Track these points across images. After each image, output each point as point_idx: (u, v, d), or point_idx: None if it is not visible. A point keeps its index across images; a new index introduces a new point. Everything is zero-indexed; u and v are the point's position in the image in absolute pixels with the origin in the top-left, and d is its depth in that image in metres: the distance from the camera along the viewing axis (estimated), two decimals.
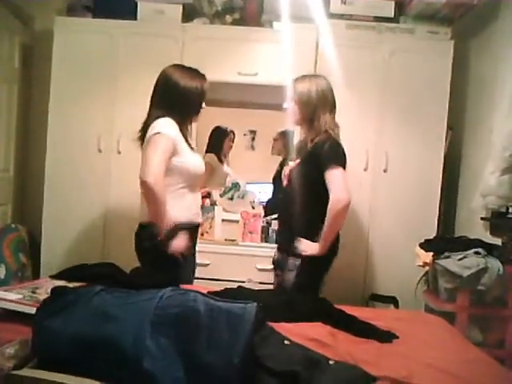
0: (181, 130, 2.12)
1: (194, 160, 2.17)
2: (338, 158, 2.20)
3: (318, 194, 2.17)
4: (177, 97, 2.11)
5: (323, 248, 2.18)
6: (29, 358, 1.15)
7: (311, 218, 2.22)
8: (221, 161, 3.66)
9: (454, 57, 3.00)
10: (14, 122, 3.41)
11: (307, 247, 2.20)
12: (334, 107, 2.29)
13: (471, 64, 3.19)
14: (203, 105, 2.22)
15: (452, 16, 3.06)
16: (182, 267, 2.15)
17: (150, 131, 2.04)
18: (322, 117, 2.23)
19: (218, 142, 3.67)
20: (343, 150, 2.24)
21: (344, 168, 2.20)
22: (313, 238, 2.20)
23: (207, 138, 3.66)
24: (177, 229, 2.05)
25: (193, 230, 2.24)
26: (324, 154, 2.17)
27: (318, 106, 2.24)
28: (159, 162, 1.97)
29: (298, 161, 2.30)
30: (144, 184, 1.94)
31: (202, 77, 2.20)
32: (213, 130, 3.66)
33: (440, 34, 3.06)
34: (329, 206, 2.14)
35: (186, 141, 2.16)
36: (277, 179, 3.26)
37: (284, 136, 3.50)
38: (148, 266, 2.09)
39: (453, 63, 3.00)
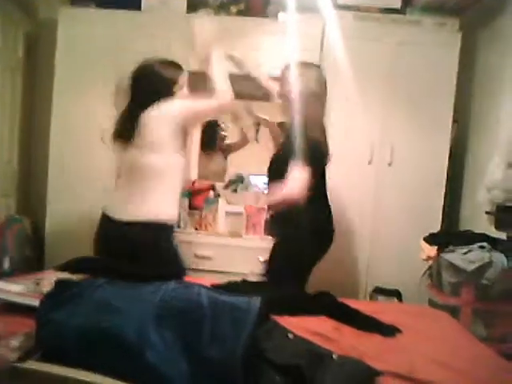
0: None
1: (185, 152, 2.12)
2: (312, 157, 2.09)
3: None
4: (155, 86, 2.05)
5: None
6: (33, 351, 1.15)
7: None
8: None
9: (461, 48, 2.97)
10: (18, 112, 3.41)
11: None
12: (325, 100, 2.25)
13: (479, 56, 3.15)
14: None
15: (460, 7, 3.04)
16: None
17: (163, 109, 1.98)
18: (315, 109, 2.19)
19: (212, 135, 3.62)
20: (320, 148, 2.16)
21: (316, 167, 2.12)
22: None
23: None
24: None
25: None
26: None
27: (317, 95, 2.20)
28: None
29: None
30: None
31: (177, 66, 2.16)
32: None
33: (447, 26, 3.03)
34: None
35: None
36: None
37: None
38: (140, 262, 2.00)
39: (460, 55, 2.97)
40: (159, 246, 2.01)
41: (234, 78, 3.07)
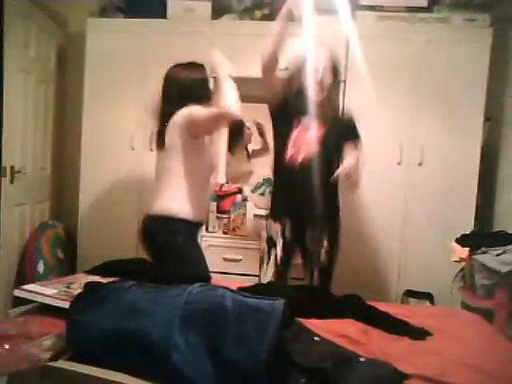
0: None
1: (210, 154, 2.20)
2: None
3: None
4: (182, 91, 2.11)
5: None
6: (64, 351, 1.18)
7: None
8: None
9: (492, 44, 2.89)
10: (51, 121, 3.51)
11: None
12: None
13: (511, 51, 3.06)
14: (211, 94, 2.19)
15: (489, 2, 2.96)
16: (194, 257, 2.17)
17: (180, 116, 2.03)
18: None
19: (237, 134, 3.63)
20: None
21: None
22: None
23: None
24: None
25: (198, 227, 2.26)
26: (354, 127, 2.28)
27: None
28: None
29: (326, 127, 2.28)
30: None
31: (200, 66, 2.21)
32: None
33: (477, 21, 2.96)
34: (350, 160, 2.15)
35: None
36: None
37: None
38: (162, 260, 2.10)
39: (491, 51, 2.90)
40: (171, 239, 2.06)
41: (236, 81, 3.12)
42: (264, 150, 2.80)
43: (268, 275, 2.35)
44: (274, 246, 2.33)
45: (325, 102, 2.27)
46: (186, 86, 2.11)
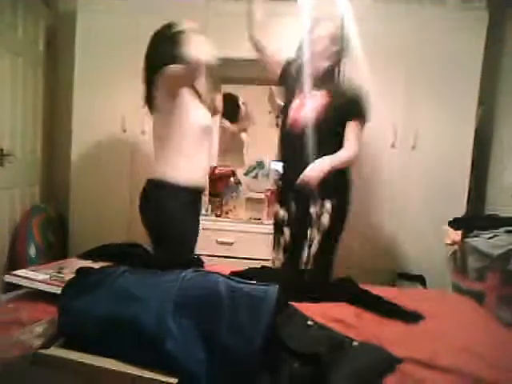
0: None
1: (197, 114, 2.13)
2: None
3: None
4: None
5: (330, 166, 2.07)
6: (56, 337, 1.17)
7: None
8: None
9: (488, 28, 2.86)
10: (40, 104, 3.45)
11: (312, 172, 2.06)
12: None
13: (506, 35, 3.04)
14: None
15: None
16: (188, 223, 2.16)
17: (157, 76, 2.03)
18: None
19: (233, 110, 3.63)
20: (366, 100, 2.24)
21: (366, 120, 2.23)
22: None
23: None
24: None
25: (197, 194, 2.21)
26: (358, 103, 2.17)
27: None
28: None
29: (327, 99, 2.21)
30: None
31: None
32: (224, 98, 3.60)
33: (474, 4, 2.92)
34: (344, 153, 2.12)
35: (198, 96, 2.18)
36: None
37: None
38: (150, 228, 2.09)
39: (486, 34, 2.87)
40: (164, 204, 2.04)
41: (258, 63, 3.08)
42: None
43: (277, 261, 2.34)
44: (282, 232, 2.30)
45: (328, 70, 2.23)
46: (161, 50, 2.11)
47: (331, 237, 2.18)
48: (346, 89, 2.24)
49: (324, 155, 2.08)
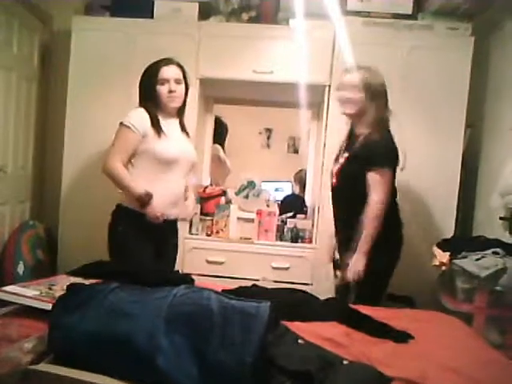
0: (152, 117, 2.19)
1: (162, 146, 2.18)
2: (387, 158, 2.20)
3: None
4: (139, 87, 2.28)
5: (365, 253, 2.15)
6: (45, 354, 1.16)
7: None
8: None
9: (474, 53, 2.95)
10: (33, 120, 3.46)
11: (355, 267, 2.16)
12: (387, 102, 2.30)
13: (492, 60, 3.13)
14: (162, 89, 2.21)
15: (472, 11, 3.01)
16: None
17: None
18: (376, 109, 2.24)
19: (221, 134, 3.71)
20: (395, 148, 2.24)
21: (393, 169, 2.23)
22: None
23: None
24: (149, 195, 2.12)
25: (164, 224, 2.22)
26: (373, 152, 2.17)
27: (377, 96, 2.24)
28: (117, 151, 2.18)
29: (346, 157, 2.28)
30: (102, 170, 2.20)
31: (162, 61, 2.25)
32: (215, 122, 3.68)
33: (460, 30, 3.01)
34: (368, 210, 2.14)
35: (157, 127, 2.19)
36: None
37: None
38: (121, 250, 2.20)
39: (473, 59, 2.95)
40: (114, 228, 2.24)
41: (250, 85, 3.13)
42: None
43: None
44: (338, 267, 2.40)
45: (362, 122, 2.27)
46: (142, 80, 2.27)
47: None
48: (368, 140, 2.23)
49: (356, 205, 2.16)
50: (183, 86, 2.27)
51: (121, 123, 2.19)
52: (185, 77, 2.28)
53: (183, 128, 2.36)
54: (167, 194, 2.21)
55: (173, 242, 2.41)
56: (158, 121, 2.20)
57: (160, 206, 2.15)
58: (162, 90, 2.21)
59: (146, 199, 2.11)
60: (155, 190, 2.14)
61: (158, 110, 2.23)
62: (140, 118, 2.18)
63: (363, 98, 2.22)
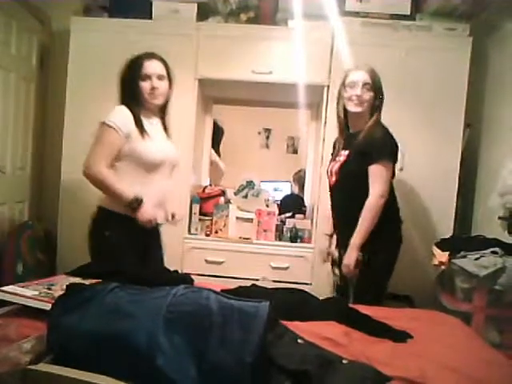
0: (135, 117, 2.09)
1: (146, 148, 2.08)
2: (390, 151, 2.24)
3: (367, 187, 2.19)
4: (121, 83, 2.21)
5: (358, 247, 2.16)
6: (45, 354, 1.16)
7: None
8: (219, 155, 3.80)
9: (472, 53, 2.95)
10: (31, 120, 3.46)
11: (348, 261, 2.18)
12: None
13: (490, 61, 3.14)
14: (144, 85, 2.13)
15: (470, 12, 3.02)
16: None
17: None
18: (379, 106, 2.31)
19: (216, 137, 3.72)
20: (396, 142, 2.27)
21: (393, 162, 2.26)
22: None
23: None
24: (139, 200, 2.04)
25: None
26: (377, 146, 2.20)
27: (381, 94, 2.30)
28: (100, 154, 2.07)
29: (347, 154, 2.30)
30: (85, 175, 2.12)
31: (145, 55, 2.18)
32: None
33: (458, 31, 3.02)
34: (367, 202, 2.15)
35: (141, 127, 2.10)
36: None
37: None
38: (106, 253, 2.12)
39: (471, 60, 2.95)
40: (99, 232, 2.15)
41: (249, 85, 3.13)
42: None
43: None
44: (338, 266, 2.39)
45: (361, 119, 2.29)
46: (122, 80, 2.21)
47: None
48: (367, 136, 2.25)
49: (358, 201, 2.18)
50: (167, 82, 2.17)
51: (102, 123, 2.06)
52: (168, 73, 2.19)
53: (165, 127, 2.28)
54: (152, 196, 2.12)
55: (158, 244, 2.33)
56: (141, 120, 2.10)
57: (149, 210, 2.07)
58: (145, 86, 2.11)
59: (136, 204, 2.03)
60: (140, 194, 2.06)
61: (141, 108, 2.14)
62: (123, 117, 2.07)
63: (373, 97, 2.26)
